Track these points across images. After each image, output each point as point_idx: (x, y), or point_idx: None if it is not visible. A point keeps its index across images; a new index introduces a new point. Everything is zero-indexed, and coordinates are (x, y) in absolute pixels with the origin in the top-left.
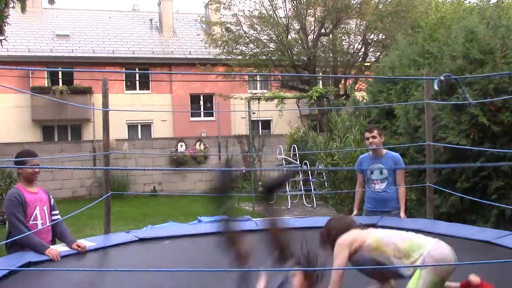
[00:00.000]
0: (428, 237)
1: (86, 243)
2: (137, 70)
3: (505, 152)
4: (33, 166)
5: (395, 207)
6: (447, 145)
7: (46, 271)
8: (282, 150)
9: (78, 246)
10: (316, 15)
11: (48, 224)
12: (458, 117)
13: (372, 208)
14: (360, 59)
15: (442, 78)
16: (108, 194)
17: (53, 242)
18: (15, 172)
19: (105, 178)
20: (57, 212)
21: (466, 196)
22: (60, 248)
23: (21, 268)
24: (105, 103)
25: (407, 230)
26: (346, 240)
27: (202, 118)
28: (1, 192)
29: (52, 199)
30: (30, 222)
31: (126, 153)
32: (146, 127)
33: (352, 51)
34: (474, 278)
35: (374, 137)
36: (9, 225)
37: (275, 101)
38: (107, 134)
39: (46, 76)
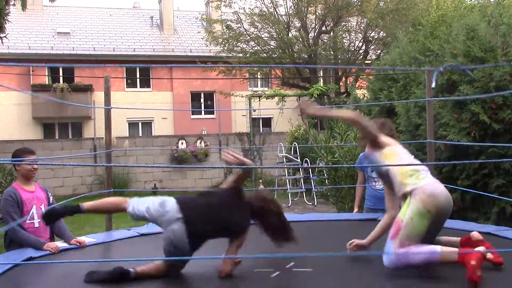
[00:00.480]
0: (432, 178)
1: (87, 239)
2: (137, 68)
3: (506, 146)
4: (31, 163)
5: None
6: (448, 142)
7: (48, 265)
8: (283, 148)
9: (78, 242)
10: (317, 13)
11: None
12: (459, 115)
13: (372, 206)
14: (361, 56)
15: (441, 69)
16: (111, 191)
17: (51, 240)
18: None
19: (107, 175)
20: None
21: (469, 190)
22: (59, 245)
23: (25, 262)
24: (107, 101)
25: None
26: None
27: (202, 115)
28: (2, 189)
29: (51, 197)
30: (27, 221)
31: (127, 150)
32: (147, 124)
33: (353, 49)
34: (475, 234)
35: None
36: (5, 224)
37: (276, 99)
38: (109, 132)
39: (46, 74)
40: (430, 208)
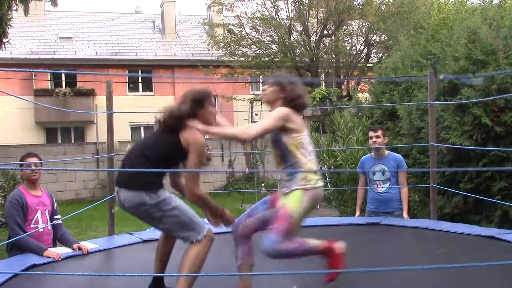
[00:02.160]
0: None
1: (89, 245)
2: (140, 72)
3: (508, 151)
4: (30, 167)
5: (398, 208)
6: (451, 145)
7: (50, 272)
8: None
9: (80, 248)
10: (319, 17)
11: (48, 228)
12: (461, 118)
13: (374, 209)
14: (363, 60)
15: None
16: (113, 195)
17: (53, 245)
18: (18, 174)
19: (109, 179)
20: (58, 216)
21: (471, 195)
22: (62, 250)
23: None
24: (109, 106)
25: (410, 228)
26: (288, 113)
27: None
28: (5, 194)
29: (55, 204)
30: (31, 226)
31: None
32: (149, 129)
33: (354, 52)
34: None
35: (378, 136)
36: (8, 227)
37: None
38: (111, 136)
39: (49, 79)
40: (312, 205)
